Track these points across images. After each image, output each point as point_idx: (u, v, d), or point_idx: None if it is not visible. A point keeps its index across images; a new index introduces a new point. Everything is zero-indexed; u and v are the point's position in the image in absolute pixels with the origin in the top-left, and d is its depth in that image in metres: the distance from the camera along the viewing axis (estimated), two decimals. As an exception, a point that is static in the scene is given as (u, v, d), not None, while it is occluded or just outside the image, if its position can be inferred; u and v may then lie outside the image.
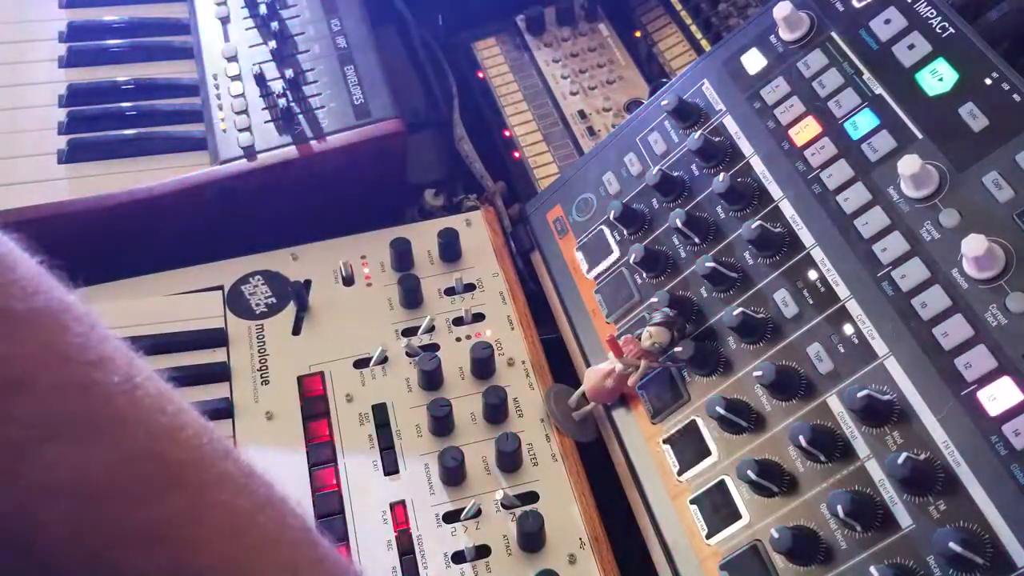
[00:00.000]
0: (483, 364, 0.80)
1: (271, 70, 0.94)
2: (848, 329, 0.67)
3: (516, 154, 1.03)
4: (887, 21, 0.74)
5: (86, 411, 0.41)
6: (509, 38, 1.14)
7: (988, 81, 0.67)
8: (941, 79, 0.69)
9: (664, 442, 0.73)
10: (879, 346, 0.65)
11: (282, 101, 0.90)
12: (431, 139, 1.09)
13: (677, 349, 0.73)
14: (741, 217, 0.75)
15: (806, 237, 0.71)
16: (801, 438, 0.64)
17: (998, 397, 0.59)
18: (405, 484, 0.75)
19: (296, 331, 0.84)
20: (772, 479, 0.65)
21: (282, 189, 0.83)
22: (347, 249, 0.89)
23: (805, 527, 0.64)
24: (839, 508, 0.61)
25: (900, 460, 0.59)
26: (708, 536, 0.68)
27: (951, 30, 0.70)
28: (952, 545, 0.56)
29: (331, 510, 0.74)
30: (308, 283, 0.87)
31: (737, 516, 0.67)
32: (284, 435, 0.78)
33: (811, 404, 0.67)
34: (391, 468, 0.76)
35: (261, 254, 0.89)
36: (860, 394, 0.63)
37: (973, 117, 0.67)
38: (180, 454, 0.43)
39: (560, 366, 0.84)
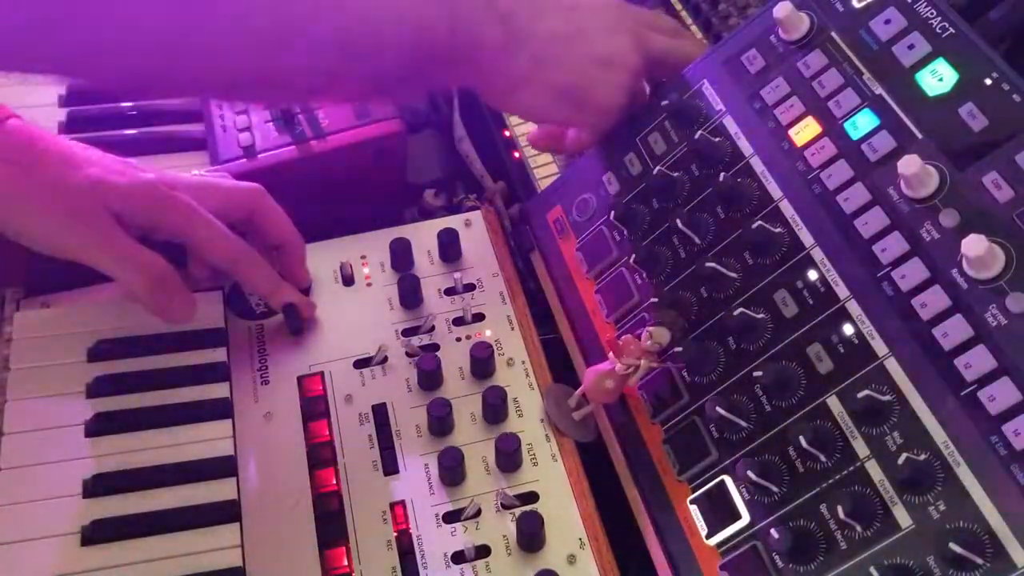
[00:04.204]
0: (483, 364, 0.80)
1: (271, 70, 0.94)
2: (848, 329, 0.67)
3: (516, 154, 1.03)
4: (887, 21, 0.74)
5: None
6: (509, 38, 1.14)
7: (988, 81, 0.67)
8: (941, 79, 0.69)
9: (664, 442, 0.73)
10: (879, 346, 0.65)
11: (282, 101, 0.90)
12: (431, 139, 1.09)
13: (677, 349, 0.73)
14: (741, 217, 0.75)
15: (806, 237, 0.71)
16: (801, 438, 0.64)
17: (998, 397, 0.59)
18: (405, 484, 0.75)
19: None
20: (772, 479, 0.65)
21: (282, 189, 0.83)
22: (347, 249, 0.89)
23: (805, 527, 0.64)
24: (839, 508, 0.61)
25: (900, 460, 0.59)
26: (708, 536, 0.68)
27: (951, 30, 0.70)
28: (952, 545, 0.56)
29: (331, 510, 0.73)
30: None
31: (737, 516, 0.67)
32: (284, 435, 0.78)
33: (811, 404, 0.67)
34: (391, 468, 0.76)
35: (261, 254, 0.89)
36: (860, 394, 0.63)
37: (973, 117, 0.67)
38: None
39: (560, 366, 0.83)
